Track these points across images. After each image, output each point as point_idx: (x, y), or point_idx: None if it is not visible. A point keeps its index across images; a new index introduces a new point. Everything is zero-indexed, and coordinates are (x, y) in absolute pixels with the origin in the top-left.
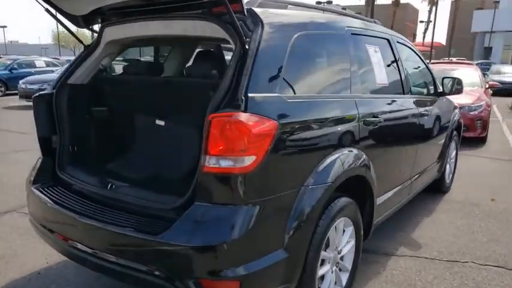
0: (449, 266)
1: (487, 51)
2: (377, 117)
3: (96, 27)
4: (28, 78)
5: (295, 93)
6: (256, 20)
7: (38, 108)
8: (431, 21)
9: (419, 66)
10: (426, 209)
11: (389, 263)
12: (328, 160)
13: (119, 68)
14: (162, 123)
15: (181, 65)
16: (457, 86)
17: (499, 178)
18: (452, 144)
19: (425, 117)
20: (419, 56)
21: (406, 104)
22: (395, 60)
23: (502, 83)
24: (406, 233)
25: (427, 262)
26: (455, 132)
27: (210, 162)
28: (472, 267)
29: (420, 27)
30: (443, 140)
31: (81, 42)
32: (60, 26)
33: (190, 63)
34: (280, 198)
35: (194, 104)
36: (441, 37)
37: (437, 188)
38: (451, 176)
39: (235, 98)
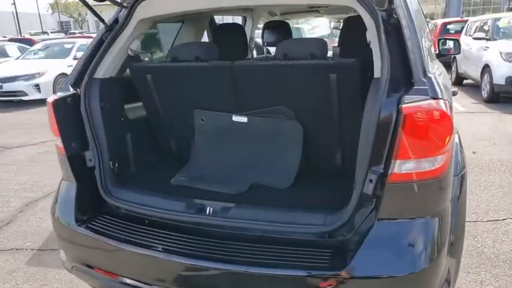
0: (495, 226)
1: None
2: None
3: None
4: None
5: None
6: None
7: (62, 117)
8: None
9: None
10: None
11: None
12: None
13: None
14: (243, 119)
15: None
16: (450, 47)
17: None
18: None
19: None
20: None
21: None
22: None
23: None
24: None
25: (474, 226)
26: None
27: (402, 168)
28: None
29: None
30: None
31: (102, 21)
32: None
33: (204, 37)
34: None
35: (306, 93)
36: None
37: None
38: None
39: (416, 82)
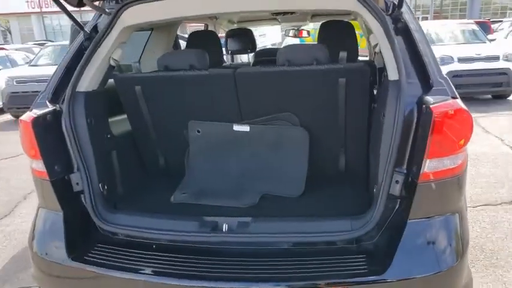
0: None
1: None
2: None
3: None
4: None
5: None
6: None
7: (43, 137)
8: None
9: None
10: None
11: None
12: None
13: None
14: (245, 128)
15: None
16: None
17: None
18: None
19: None
20: None
21: None
22: None
23: None
24: None
25: None
26: None
27: (432, 167)
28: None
29: None
30: None
31: (81, 27)
32: None
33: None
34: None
35: (312, 98)
36: None
37: None
38: None
39: (435, 82)
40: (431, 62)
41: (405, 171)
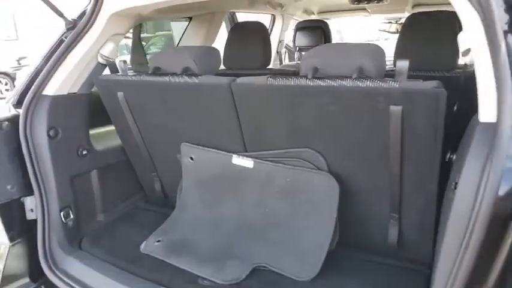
0: None
1: None
2: None
3: None
4: None
5: None
6: None
7: None
8: None
9: None
10: None
11: None
12: None
13: None
14: (248, 163)
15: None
16: None
17: None
18: None
19: None
20: None
21: None
22: None
23: None
24: None
25: None
26: None
27: None
28: None
29: None
30: None
31: (59, 14)
32: None
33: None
34: None
35: (346, 131)
36: None
37: None
38: None
39: None
40: None
41: None
